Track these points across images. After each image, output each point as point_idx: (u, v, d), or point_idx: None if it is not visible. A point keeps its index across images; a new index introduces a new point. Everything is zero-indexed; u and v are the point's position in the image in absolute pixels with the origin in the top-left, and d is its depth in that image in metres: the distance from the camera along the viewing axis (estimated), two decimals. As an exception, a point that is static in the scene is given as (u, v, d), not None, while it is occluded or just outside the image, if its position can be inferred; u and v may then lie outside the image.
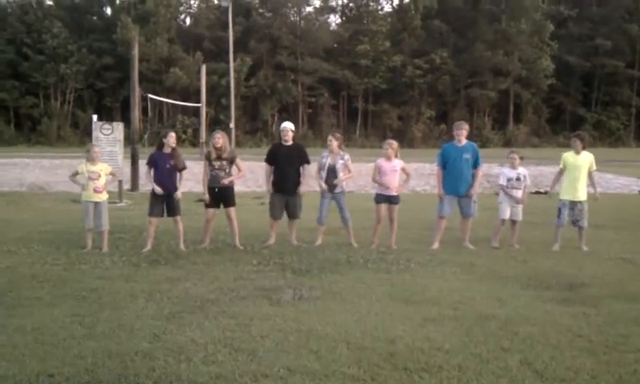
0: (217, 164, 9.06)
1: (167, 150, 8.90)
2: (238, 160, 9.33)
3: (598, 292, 6.55)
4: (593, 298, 6.27)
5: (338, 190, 9.33)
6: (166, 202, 8.86)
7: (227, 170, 9.15)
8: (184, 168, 9.01)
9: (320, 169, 9.34)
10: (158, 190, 8.72)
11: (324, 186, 9.23)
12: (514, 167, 9.41)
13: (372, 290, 6.49)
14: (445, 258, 8.27)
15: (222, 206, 9.19)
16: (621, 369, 4.36)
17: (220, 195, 9.12)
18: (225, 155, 9.06)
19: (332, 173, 9.24)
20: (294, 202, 9.37)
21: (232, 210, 9.19)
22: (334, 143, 9.30)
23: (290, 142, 9.42)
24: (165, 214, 8.91)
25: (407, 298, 6.19)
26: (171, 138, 8.92)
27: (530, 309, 5.84)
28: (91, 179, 8.78)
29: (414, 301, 6.11)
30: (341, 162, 9.27)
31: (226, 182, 9.05)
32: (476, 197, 9.34)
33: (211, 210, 9.18)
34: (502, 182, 9.56)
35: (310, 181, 9.80)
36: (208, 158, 9.12)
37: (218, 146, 9.04)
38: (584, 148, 9.28)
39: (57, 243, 9.10)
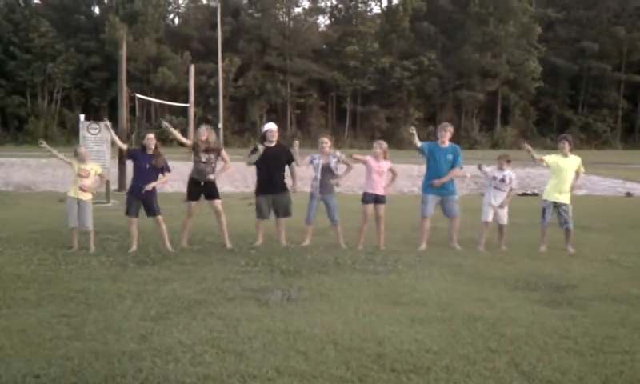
0: (204, 157, 9.03)
1: (149, 151, 8.77)
2: (223, 152, 9.29)
3: (585, 293, 6.58)
4: (580, 300, 6.30)
5: (335, 189, 9.40)
6: (142, 202, 8.76)
7: (214, 165, 9.15)
8: (167, 169, 8.93)
9: (313, 169, 9.34)
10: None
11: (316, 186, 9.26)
12: (501, 169, 9.45)
13: (360, 291, 6.48)
14: (432, 259, 8.28)
15: (204, 199, 9.15)
16: (607, 370, 4.38)
17: (204, 188, 9.09)
18: (212, 146, 9.04)
19: (327, 171, 9.27)
20: (283, 200, 9.36)
21: (218, 202, 9.16)
22: (328, 144, 9.34)
23: (275, 143, 9.43)
24: (146, 213, 8.83)
25: (395, 299, 6.19)
26: (151, 142, 8.72)
27: (518, 310, 5.86)
28: (80, 177, 8.72)
29: (402, 302, 6.11)
30: (334, 160, 9.31)
31: (211, 177, 9.04)
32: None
33: (193, 203, 9.17)
34: (486, 180, 9.62)
35: (299, 182, 9.78)
36: (195, 150, 9.07)
37: (204, 138, 9.03)
38: (570, 150, 9.33)
39: (43, 243, 9.02)
